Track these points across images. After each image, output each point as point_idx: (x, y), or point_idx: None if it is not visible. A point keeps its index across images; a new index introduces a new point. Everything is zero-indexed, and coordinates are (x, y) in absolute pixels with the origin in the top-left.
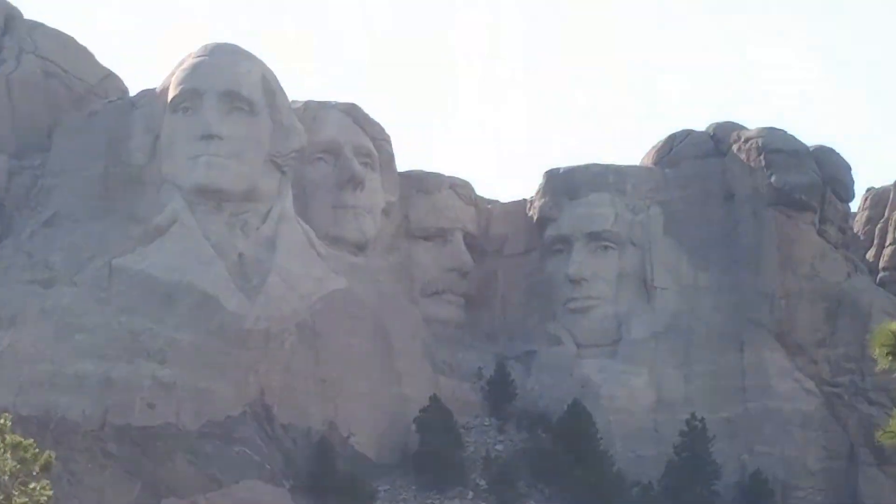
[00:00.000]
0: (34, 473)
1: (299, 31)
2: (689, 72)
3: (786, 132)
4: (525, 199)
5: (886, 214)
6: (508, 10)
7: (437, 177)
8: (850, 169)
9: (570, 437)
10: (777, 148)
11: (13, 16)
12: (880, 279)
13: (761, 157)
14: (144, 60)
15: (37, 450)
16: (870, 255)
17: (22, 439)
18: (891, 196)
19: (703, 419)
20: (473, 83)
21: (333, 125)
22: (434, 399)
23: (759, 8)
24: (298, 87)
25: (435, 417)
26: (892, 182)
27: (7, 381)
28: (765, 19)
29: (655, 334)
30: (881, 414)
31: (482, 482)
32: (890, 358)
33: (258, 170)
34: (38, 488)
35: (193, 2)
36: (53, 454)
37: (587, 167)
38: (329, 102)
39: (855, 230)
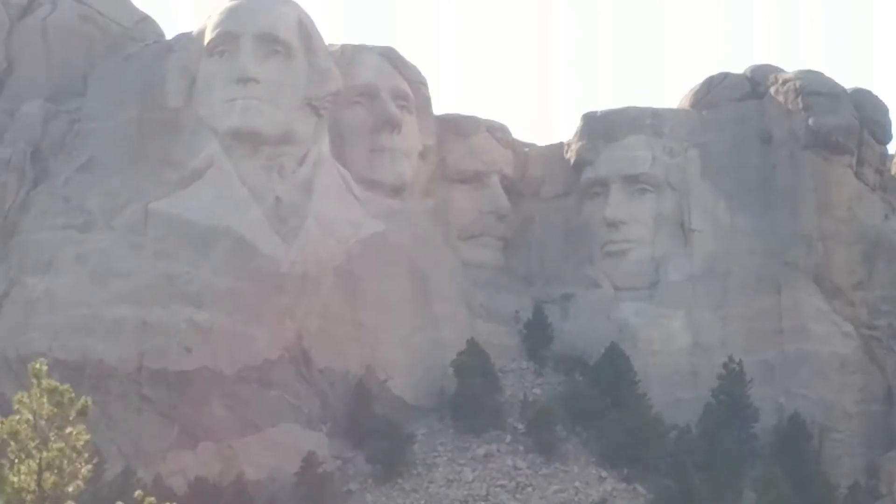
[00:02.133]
0: (70, 418)
1: None
2: (726, 13)
3: (823, 74)
4: (562, 143)
5: None
6: None
7: (473, 120)
8: (887, 111)
9: (608, 381)
10: (815, 90)
11: None
12: None
13: (799, 99)
14: (180, 3)
15: (73, 394)
16: None
17: (58, 384)
18: None
19: (740, 362)
20: (510, 27)
21: (370, 68)
22: (471, 343)
23: None
24: (335, 30)
25: (472, 361)
26: None
27: (44, 326)
28: None
29: (692, 277)
30: None
31: (520, 426)
32: None
33: (295, 113)
34: (74, 433)
35: None
36: (90, 399)
37: (624, 110)
38: (366, 45)
39: (892, 172)
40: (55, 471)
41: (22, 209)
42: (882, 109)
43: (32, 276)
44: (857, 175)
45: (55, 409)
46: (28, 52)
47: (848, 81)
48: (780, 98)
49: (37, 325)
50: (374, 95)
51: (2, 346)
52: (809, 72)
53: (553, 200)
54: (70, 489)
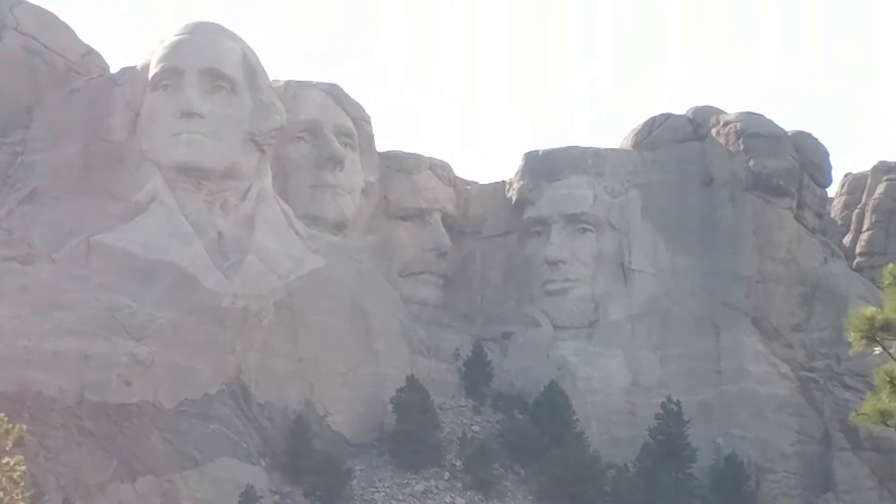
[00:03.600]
0: (7, 448)
1: (280, 11)
2: (670, 56)
3: (764, 117)
4: (504, 181)
5: (863, 200)
6: None
7: (416, 158)
8: (827, 154)
9: (546, 419)
10: (756, 132)
11: None
12: (857, 264)
13: (740, 141)
14: (125, 38)
15: (9, 424)
16: (846, 240)
17: None
18: (868, 181)
19: (678, 402)
20: (453, 65)
21: (314, 105)
22: (411, 379)
23: None
24: (279, 66)
25: (412, 397)
26: (869, 168)
27: None
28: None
29: (632, 317)
30: (856, 398)
31: (458, 462)
32: (864, 342)
33: (238, 148)
34: (11, 463)
35: None
36: (25, 427)
37: (566, 149)
38: (309, 82)
39: (832, 215)
40: None
41: None
42: (822, 153)
43: None
44: (798, 218)
45: None
46: None
47: (789, 124)
48: (722, 140)
49: None
50: (317, 131)
51: None
52: (750, 114)
53: (494, 239)
54: None
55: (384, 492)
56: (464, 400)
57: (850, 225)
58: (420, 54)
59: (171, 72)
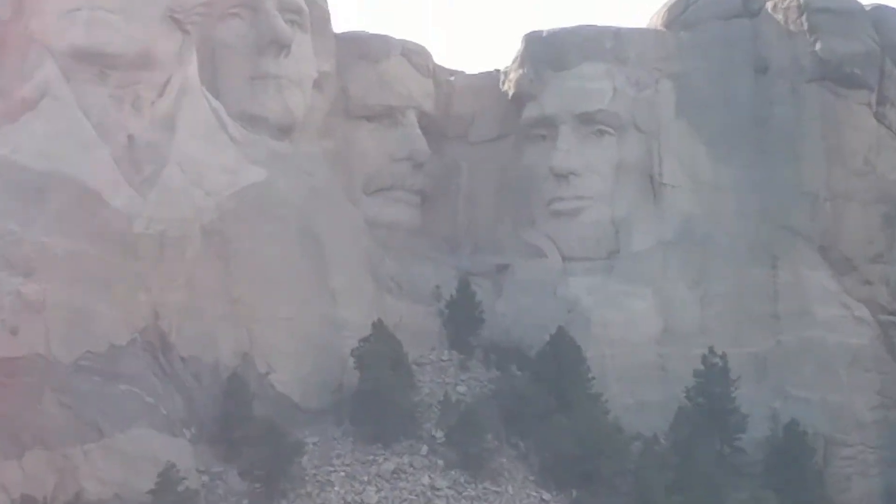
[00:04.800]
0: None
1: None
2: None
3: None
4: (497, 71)
5: None
6: None
7: (384, 40)
8: None
9: (553, 377)
10: (823, 6)
11: None
12: None
13: (803, 18)
14: None
15: None
16: None
17: None
18: None
19: (723, 355)
20: None
21: None
22: (378, 326)
23: None
24: None
25: (379, 350)
26: None
27: None
28: None
29: (663, 244)
30: None
31: (439, 434)
32: None
33: (153, 29)
34: None
35: None
36: None
37: (577, 29)
38: None
39: None
40: None
41: None
42: None
43: None
44: (878, 116)
45: None
46: None
47: None
48: (780, 16)
49: None
50: (256, 6)
51: None
52: None
53: (485, 145)
54: None
55: (343, 471)
56: (446, 353)
57: None
58: None
59: None
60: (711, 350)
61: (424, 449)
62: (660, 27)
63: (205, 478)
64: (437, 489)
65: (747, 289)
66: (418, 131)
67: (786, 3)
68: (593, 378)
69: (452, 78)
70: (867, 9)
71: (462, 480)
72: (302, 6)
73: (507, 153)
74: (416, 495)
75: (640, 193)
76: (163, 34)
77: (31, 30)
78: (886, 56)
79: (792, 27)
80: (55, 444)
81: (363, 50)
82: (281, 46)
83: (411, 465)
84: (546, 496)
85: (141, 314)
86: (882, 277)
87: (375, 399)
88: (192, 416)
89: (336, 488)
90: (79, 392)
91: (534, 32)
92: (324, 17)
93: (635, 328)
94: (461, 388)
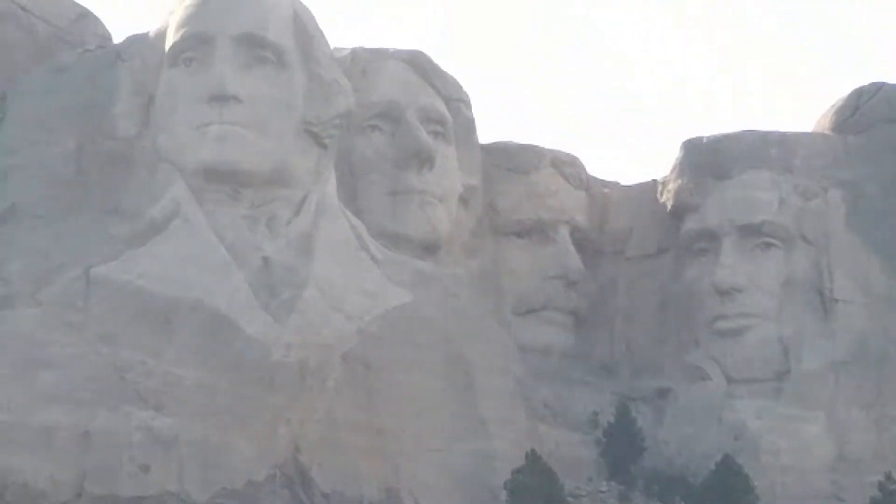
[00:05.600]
0: None
1: None
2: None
3: None
4: (655, 181)
5: None
6: None
7: (533, 150)
8: None
9: None
10: None
11: None
12: None
13: None
14: None
15: None
16: None
17: None
18: None
19: None
20: (580, 24)
21: (391, 81)
22: (531, 456)
23: None
24: (345, 29)
25: (533, 481)
26: None
27: None
28: None
29: (835, 364)
30: None
31: None
32: None
33: (289, 143)
34: None
35: None
36: None
37: (740, 136)
38: (385, 50)
39: None
40: None
41: None
42: None
43: None
44: None
45: None
46: None
47: None
48: None
49: None
50: (397, 118)
51: None
52: None
53: (643, 260)
54: None
55: None
56: (605, 484)
57: None
58: (533, 10)
59: (197, 40)
60: (889, 477)
61: None
62: (827, 131)
63: None
64: None
65: None
66: (571, 247)
67: None
68: None
69: (607, 189)
70: None
71: None
72: (445, 116)
73: (667, 269)
74: None
75: (809, 310)
76: (298, 149)
77: (159, 147)
78: None
79: None
80: None
81: (511, 161)
82: (424, 160)
83: None
84: None
85: (279, 448)
86: None
87: None
88: None
89: None
90: None
91: (693, 139)
92: (469, 128)
93: (808, 455)
94: None
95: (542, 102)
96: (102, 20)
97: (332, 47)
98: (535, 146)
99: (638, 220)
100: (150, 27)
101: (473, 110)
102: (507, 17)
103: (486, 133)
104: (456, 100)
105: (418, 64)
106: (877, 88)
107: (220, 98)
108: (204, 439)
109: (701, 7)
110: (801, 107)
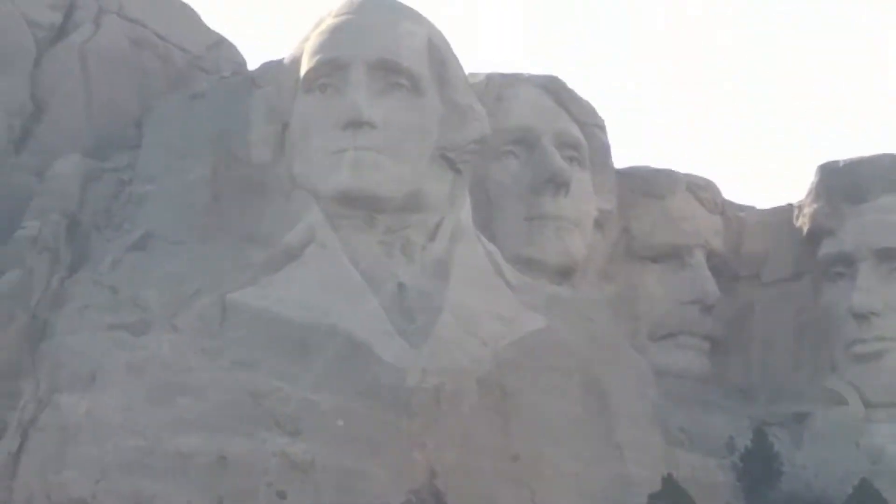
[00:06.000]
0: None
1: None
2: None
3: None
4: (791, 205)
5: None
6: None
7: (669, 175)
8: None
9: None
10: None
11: None
12: None
13: None
14: (267, 22)
15: None
16: None
17: None
18: None
19: None
20: (713, 50)
21: (527, 106)
22: (668, 481)
23: None
24: (479, 54)
25: None
26: None
27: (85, 461)
28: None
29: None
30: None
31: None
32: None
33: (424, 169)
34: None
35: None
36: None
37: (877, 158)
38: (520, 75)
39: None
40: None
41: (55, 303)
42: None
43: (69, 394)
44: None
45: None
46: (62, 90)
47: None
48: None
49: (75, 461)
50: (532, 143)
51: (28, 490)
52: None
53: (779, 285)
54: None
55: None
56: None
57: None
58: (666, 36)
59: (331, 66)
60: None
61: None
62: None
63: None
64: None
65: None
66: (707, 272)
67: None
68: None
69: (742, 213)
70: None
71: None
72: (581, 141)
73: (804, 293)
74: None
75: None
76: (433, 174)
77: (295, 173)
78: None
79: None
80: None
81: (647, 186)
82: (559, 185)
83: None
84: None
85: (415, 474)
86: None
87: None
88: None
89: None
90: None
91: (829, 163)
92: (604, 153)
93: None
94: None
95: (677, 126)
96: (237, 47)
97: (467, 73)
98: (671, 170)
99: (774, 245)
100: (284, 54)
101: (609, 134)
102: (642, 42)
103: (622, 157)
104: (591, 124)
105: (553, 89)
106: None
107: (355, 124)
108: (340, 465)
109: (837, 28)
110: None
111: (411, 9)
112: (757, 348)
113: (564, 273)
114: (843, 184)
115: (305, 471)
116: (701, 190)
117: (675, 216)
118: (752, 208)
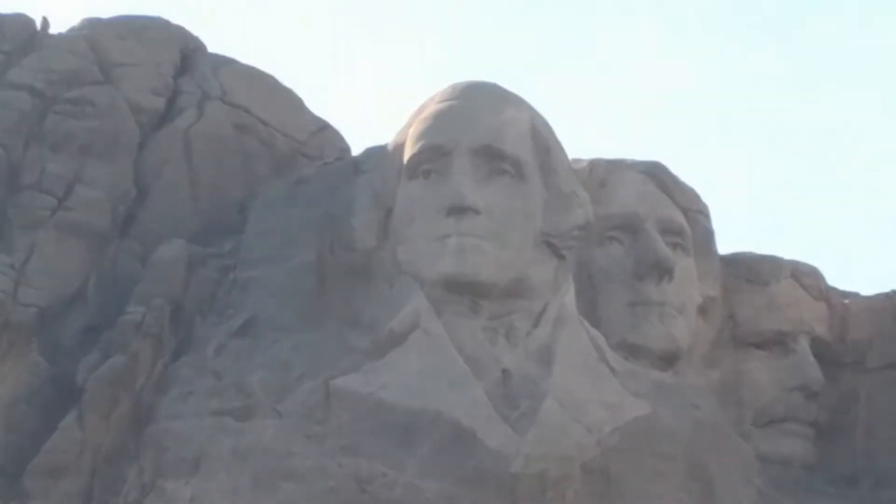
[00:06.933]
0: None
1: (580, 67)
2: None
3: None
4: (894, 292)
5: None
6: None
7: (773, 261)
8: None
9: None
10: None
11: (194, 49)
12: None
13: None
14: (371, 108)
15: None
16: None
17: None
18: None
19: None
20: (821, 134)
21: (630, 192)
22: None
23: None
24: (581, 140)
25: None
26: None
27: None
28: None
29: None
30: None
31: None
32: None
33: (528, 255)
34: None
35: (435, 31)
36: None
37: None
38: (624, 161)
39: None
40: None
41: (159, 388)
42: None
43: (174, 480)
44: None
45: None
46: (166, 175)
47: None
48: None
49: None
50: (636, 229)
51: None
52: None
53: (884, 371)
54: None
55: None
56: None
57: None
58: (768, 119)
59: (435, 152)
60: None
61: None
62: None
63: None
64: None
65: None
66: (811, 358)
67: None
68: None
69: (846, 300)
70: None
71: None
72: (684, 227)
73: None
74: None
75: None
76: (537, 260)
77: (399, 259)
78: None
79: None
80: None
81: (751, 273)
82: (663, 271)
83: None
84: None
85: None
86: None
87: None
88: None
89: None
90: None
91: None
92: (708, 239)
93: None
94: None
95: (781, 213)
96: (341, 132)
97: (570, 158)
98: (775, 257)
99: (878, 331)
100: (387, 139)
101: (712, 221)
102: (744, 128)
103: (725, 244)
104: (695, 210)
105: (657, 175)
106: None
107: (459, 210)
108: None
109: None
110: None
111: (515, 95)
112: (861, 435)
113: (668, 359)
114: None
115: None
116: (805, 276)
117: (780, 303)
118: (856, 294)
